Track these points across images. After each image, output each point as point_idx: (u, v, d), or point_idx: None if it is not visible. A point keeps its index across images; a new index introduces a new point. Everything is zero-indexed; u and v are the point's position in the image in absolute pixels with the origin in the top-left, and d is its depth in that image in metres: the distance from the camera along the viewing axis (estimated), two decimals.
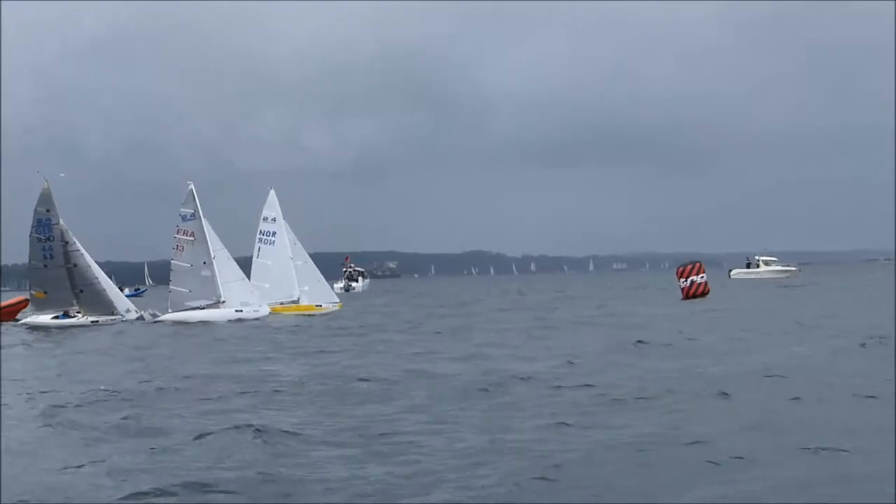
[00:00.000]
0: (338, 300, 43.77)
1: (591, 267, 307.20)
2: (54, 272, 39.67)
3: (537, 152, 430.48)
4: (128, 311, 40.78)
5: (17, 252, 40.25)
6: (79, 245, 40.16)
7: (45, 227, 39.83)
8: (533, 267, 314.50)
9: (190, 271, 39.87)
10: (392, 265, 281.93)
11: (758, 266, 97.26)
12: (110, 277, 44.45)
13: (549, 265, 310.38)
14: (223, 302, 39.23)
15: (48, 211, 39.87)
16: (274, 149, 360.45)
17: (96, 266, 41.27)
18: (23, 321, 40.02)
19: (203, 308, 39.08)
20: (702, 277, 44.43)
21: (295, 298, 42.52)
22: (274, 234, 43.64)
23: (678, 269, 46.69)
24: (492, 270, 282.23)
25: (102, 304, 39.86)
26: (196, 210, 40.29)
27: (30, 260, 40.29)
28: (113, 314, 39.67)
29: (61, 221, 40.05)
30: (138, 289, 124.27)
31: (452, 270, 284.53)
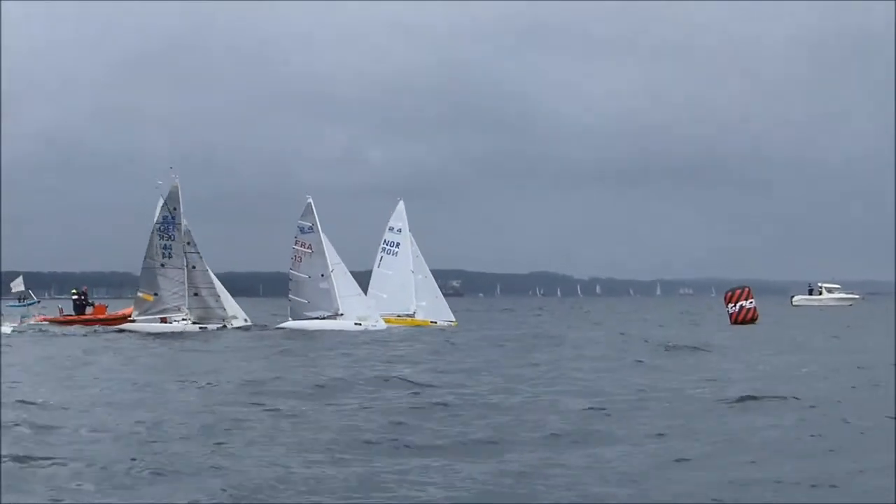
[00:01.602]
0: (453, 318, 43.15)
1: (659, 291, 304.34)
2: (171, 272, 39.45)
3: (606, 176, 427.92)
4: (234, 317, 40.45)
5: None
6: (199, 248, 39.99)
7: (169, 225, 39.65)
8: (598, 290, 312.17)
9: (308, 282, 39.78)
10: (456, 283, 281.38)
11: (820, 293, 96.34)
12: None
13: (616, 288, 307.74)
14: (341, 314, 39.05)
15: (175, 209, 39.77)
16: (334, 165, 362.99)
17: (210, 271, 41.07)
18: (121, 328, 39.13)
19: (323, 318, 38.97)
20: (750, 303, 44.14)
21: (411, 312, 42.16)
22: (398, 245, 43.37)
23: (726, 293, 46.26)
24: (559, 292, 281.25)
25: (211, 311, 39.75)
26: (314, 223, 40.17)
27: (145, 258, 39.89)
28: (223, 320, 39.49)
29: (184, 222, 39.89)
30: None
31: (517, 291, 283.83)
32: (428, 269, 43.92)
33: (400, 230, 43.75)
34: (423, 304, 42.66)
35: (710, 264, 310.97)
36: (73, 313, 45.54)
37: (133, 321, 39.40)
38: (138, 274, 41.03)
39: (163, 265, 39.45)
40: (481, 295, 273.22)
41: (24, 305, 55.93)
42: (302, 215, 40.54)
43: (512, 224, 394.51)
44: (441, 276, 44.85)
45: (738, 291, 44.98)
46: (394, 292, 42.44)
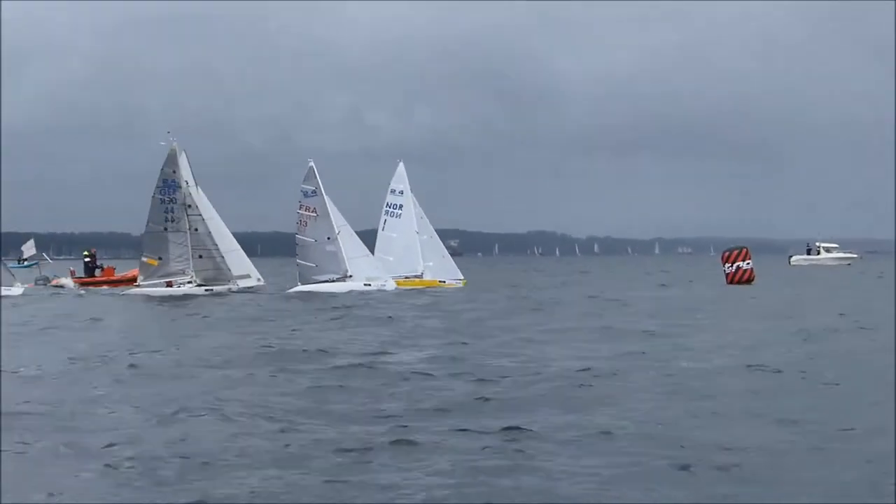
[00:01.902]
0: (462, 277, 43.12)
1: (657, 250, 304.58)
2: (173, 236, 38.89)
3: (604, 137, 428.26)
4: (248, 276, 40.21)
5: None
6: (201, 210, 39.30)
7: (169, 189, 39.00)
8: (596, 248, 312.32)
9: (315, 246, 39.59)
10: (453, 243, 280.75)
11: (818, 253, 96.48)
12: None
13: (614, 247, 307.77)
14: (350, 276, 38.95)
15: (174, 172, 39.12)
16: (340, 130, 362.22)
17: (227, 233, 40.74)
18: (126, 293, 38.70)
19: (333, 281, 38.85)
20: (748, 264, 43.78)
21: (419, 273, 42.08)
22: (401, 206, 43.27)
23: (723, 253, 45.83)
24: (557, 251, 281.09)
25: (219, 272, 39.14)
26: (318, 187, 39.90)
27: (148, 223, 39.36)
28: (229, 282, 38.98)
29: (185, 184, 39.20)
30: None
31: (516, 250, 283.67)
32: (433, 229, 43.87)
33: (402, 192, 43.61)
34: (431, 264, 42.61)
35: (709, 223, 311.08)
36: (83, 275, 46.10)
37: (138, 286, 39.13)
38: (136, 235, 41.05)
39: (166, 229, 38.95)
40: (479, 254, 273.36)
41: (25, 267, 56.03)
42: (304, 179, 40.32)
43: (510, 185, 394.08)
44: (439, 236, 44.60)
45: (736, 252, 44.55)
46: (400, 254, 42.37)
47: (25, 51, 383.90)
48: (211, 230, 39.59)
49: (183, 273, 38.91)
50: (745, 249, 44.55)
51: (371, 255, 40.66)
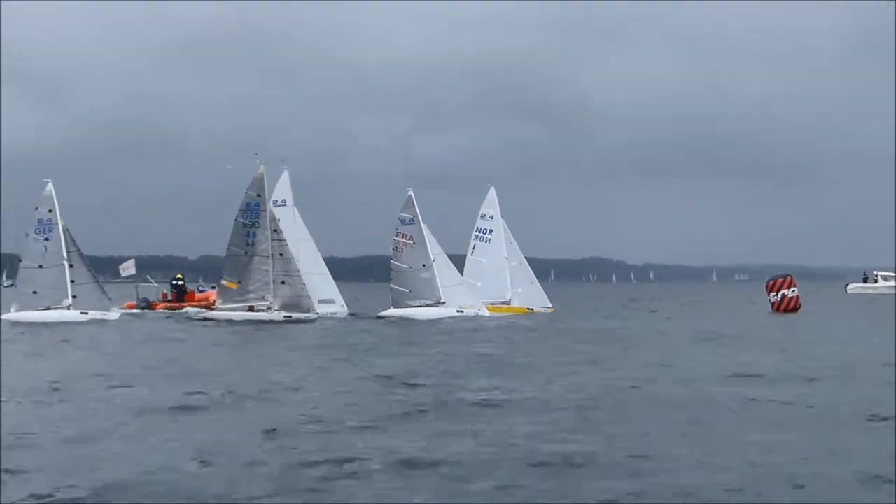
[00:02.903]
0: (550, 305, 44.17)
1: (715, 277, 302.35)
2: (254, 261, 39.12)
3: (658, 162, 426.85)
4: (331, 301, 40.74)
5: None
6: (294, 231, 39.96)
7: (252, 212, 39.35)
8: (652, 276, 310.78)
9: (410, 272, 40.89)
10: None
11: (875, 281, 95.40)
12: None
13: (670, 274, 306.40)
14: (443, 303, 40.20)
15: (258, 196, 39.46)
16: (371, 154, 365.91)
17: (317, 256, 41.30)
18: (204, 316, 39.67)
19: (426, 307, 40.07)
20: (793, 291, 44.14)
21: (507, 300, 43.06)
22: (491, 231, 44.19)
23: (768, 282, 46.14)
24: (614, 278, 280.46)
25: (300, 300, 39.24)
26: (415, 215, 41.22)
27: (229, 246, 39.67)
28: (309, 311, 39.00)
29: (269, 208, 39.68)
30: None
31: (572, 276, 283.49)
32: (522, 255, 44.59)
33: (492, 217, 44.53)
34: (519, 290, 43.56)
35: (766, 250, 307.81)
36: (173, 298, 47.77)
37: (217, 308, 39.59)
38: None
39: (246, 253, 39.20)
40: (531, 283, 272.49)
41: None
42: (403, 207, 41.59)
43: (564, 210, 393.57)
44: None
45: (780, 280, 44.81)
46: (489, 280, 43.23)
47: (73, 71, 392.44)
48: (300, 254, 39.93)
49: (263, 298, 39.17)
50: (789, 277, 44.76)
51: (466, 283, 41.63)
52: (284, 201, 41.03)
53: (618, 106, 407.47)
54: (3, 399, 14.70)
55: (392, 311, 40.53)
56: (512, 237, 44.38)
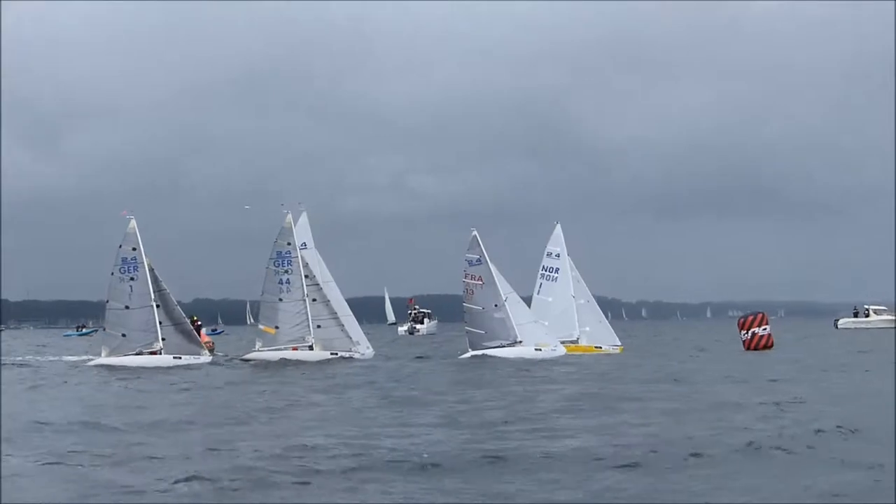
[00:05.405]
0: (619, 343, 44.10)
1: (709, 314, 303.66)
2: (290, 306, 39.81)
3: (651, 200, 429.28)
4: (358, 343, 40.98)
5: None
6: (318, 275, 40.46)
7: (284, 261, 40.15)
8: (644, 313, 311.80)
9: (483, 313, 40.99)
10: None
11: (867, 315, 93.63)
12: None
13: (664, 311, 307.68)
14: (520, 342, 40.33)
15: (288, 244, 40.32)
16: (382, 193, 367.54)
17: (340, 298, 41.43)
18: (246, 357, 40.00)
19: (503, 347, 40.12)
20: (764, 329, 43.85)
21: (574, 338, 43.09)
22: (557, 270, 44.21)
23: (739, 320, 46.16)
24: (609, 315, 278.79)
25: (339, 340, 40.25)
26: (482, 255, 41.44)
27: (263, 293, 40.43)
28: (350, 350, 40.07)
29: (301, 254, 40.34)
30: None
31: None
32: (589, 293, 44.53)
33: (558, 255, 44.49)
34: (587, 329, 43.58)
35: (761, 286, 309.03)
36: None
37: (258, 350, 39.82)
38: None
39: (280, 299, 39.92)
40: None
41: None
42: (468, 248, 41.78)
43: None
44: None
45: (751, 318, 44.55)
46: (556, 318, 43.07)
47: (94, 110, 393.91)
48: (327, 296, 40.65)
49: (303, 340, 39.87)
50: (760, 315, 44.42)
51: (540, 321, 41.61)
52: (305, 244, 41.41)
53: (621, 144, 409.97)
54: None
55: (471, 353, 40.51)
56: (580, 275, 44.34)
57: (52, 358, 46.73)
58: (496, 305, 40.91)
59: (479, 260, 41.61)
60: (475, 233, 41.97)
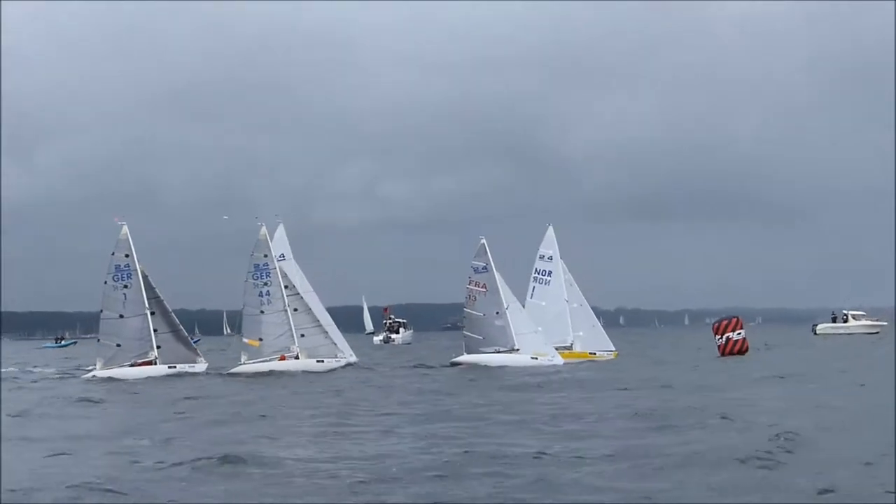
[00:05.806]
0: (614, 349, 44.88)
1: (687, 321, 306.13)
2: (272, 317, 40.04)
3: (626, 205, 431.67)
4: (351, 355, 42.40)
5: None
6: (299, 288, 41.09)
7: (262, 273, 40.46)
8: (621, 321, 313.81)
9: (483, 320, 42.65)
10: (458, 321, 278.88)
11: (845, 320, 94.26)
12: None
13: (643, 319, 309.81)
14: (517, 350, 41.79)
15: (265, 256, 40.64)
16: (355, 201, 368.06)
17: (321, 308, 42.09)
18: (233, 370, 39.39)
19: (499, 353, 41.64)
20: (738, 334, 44.02)
21: (568, 344, 43.76)
22: (550, 273, 44.70)
23: (713, 325, 46.39)
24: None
25: (324, 347, 41.08)
26: (488, 263, 42.96)
27: (244, 306, 40.47)
28: (336, 357, 40.94)
29: (279, 266, 40.79)
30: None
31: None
32: (583, 296, 44.66)
33: (551, 257, 44.88)
34: (581, 334, 44.12)
35: (739, 292, 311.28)
36: None
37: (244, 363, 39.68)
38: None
39: (262, 311, 40.11)
40: None
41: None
42: (475, 255, 43.15)
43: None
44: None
45: (725, 322, 44.78)
46: (549, 324, 43.24)
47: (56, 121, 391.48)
48: (308, 305, 41.45)
49: (289, 350, 40.35)
50: (734, 319, 44.69)
51: (541, 331, 42.30)
52: (283, 255, 42.16)
53: (598, 150, 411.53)
54: None
55: (465, 358, 42.18)
56: (572, 278, 44.48)
57: (48, 370, 46.50)
58: (497, 313, 42.29)
59: (485, 268, 42.95)
60: (483, 241, 43.07)
